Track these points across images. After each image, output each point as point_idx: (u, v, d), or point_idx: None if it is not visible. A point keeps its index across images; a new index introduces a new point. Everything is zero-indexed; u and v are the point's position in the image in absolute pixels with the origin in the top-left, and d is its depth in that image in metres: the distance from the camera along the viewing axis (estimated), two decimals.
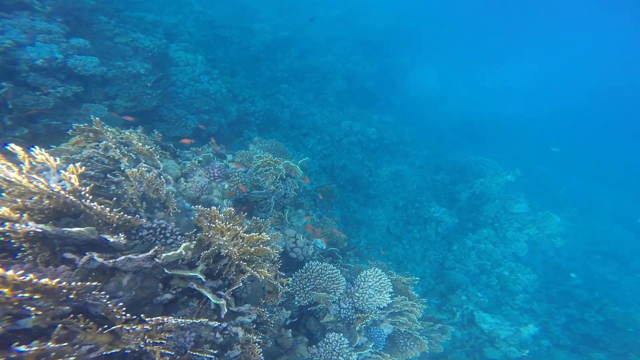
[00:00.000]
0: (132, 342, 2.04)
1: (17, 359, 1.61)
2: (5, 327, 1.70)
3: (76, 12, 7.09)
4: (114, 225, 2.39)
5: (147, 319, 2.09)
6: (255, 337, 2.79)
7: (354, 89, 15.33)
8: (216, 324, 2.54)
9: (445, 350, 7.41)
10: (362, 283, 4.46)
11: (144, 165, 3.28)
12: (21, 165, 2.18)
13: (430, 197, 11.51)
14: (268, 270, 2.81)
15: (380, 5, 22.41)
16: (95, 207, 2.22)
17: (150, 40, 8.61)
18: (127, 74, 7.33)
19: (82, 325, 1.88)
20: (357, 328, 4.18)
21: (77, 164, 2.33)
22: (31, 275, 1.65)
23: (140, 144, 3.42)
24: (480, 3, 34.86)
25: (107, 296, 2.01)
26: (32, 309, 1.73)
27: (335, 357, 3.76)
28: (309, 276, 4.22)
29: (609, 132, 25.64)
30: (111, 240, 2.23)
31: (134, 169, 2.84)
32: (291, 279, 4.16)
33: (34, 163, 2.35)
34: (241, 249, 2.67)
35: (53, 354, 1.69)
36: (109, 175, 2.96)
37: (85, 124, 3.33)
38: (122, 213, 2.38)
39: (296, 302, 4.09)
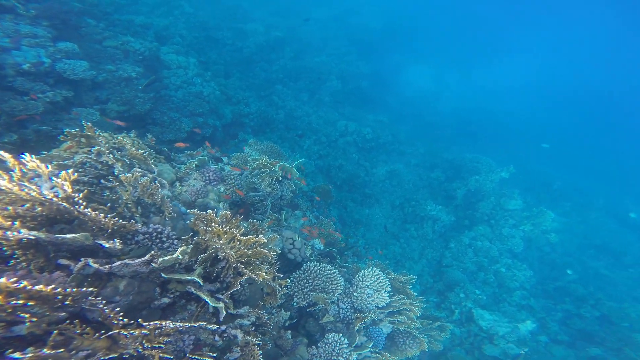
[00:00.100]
0: (130, 346, 2.02)
1: None
2: None
3: (62, 16, 7.00)
4: (109, 230, 2.36)
5: (145, 324, 2.07)
6: (254, 339, 2.78)
7: (348, 89, 15.37)
8: (215, 327, 2.52)
9: (445, 348, 7.45)
10: (360, 283, 4.46)
11: (138, 170, 3.25)
12: (11, 172, 2.15)
13: (426, 195, 11.57)
14: (266, 272, 2.80)
15: (374, 5, 22.52)
16: (89, 214, 2.20)
17: (140, 44, 8.54)
18: (118, 77, 7.27)
19: (78, 331, 1.86)
20: (356, 328, 4.19)
21: (70, 171, 2.30)
22: (25, 282, 1.63)
23: (134, 149, 3.39)
24: (472, 1, 35.21)
25: (104, 301, 1.99)
26: (27, 315, 1.71)
27: (335, 358, 3.75)
28: (307, 277, 4.22)
29: (598, 128, 26.04)
30: (107, 245, 2.21)
31: (128, 174, 2.81)
32: (289, 280, 4.16)
33: (24, 170, 2.32)
34: (238, 252, 2.66)
35: None
36: (102, 181, 2.93)
37: (77, 129, 3.29)
38: (117, 218, 2.36)
39: (295, 303, 4.08)
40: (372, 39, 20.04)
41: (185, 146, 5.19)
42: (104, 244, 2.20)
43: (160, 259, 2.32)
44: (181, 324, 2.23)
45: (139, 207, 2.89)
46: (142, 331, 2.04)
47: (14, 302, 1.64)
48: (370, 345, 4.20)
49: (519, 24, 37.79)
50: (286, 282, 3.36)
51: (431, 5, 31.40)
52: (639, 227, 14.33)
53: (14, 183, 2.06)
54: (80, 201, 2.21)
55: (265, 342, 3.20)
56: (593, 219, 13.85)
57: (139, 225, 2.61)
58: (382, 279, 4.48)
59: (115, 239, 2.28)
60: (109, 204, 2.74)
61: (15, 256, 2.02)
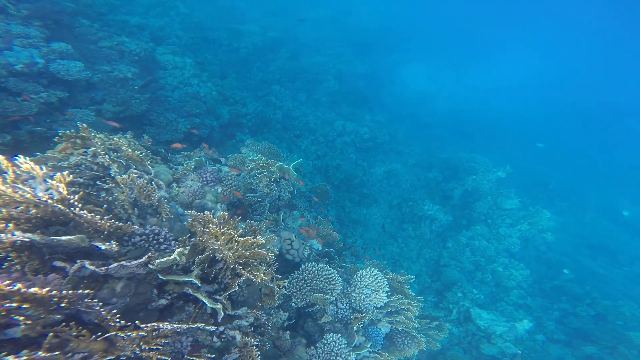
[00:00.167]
0: (128, 348, 2.00)
1: None
2: None
3: (55, 16, 6.93)
4: (106, 232, 2.34)
5: (142, 325, 2.05)
6: (252, 340, 2.76)
7: (345, 89, 15.39)
8: (213, 328, 2.51)
9: (443, 347, 7.47)
10: (358, 283, 4.46)
11: (134, 171, 3.23)
12: (5, 174, 2.12)
13: (424, 195, 11.60)
14: (264, 273, 2.79)
15: (370, 5, 22.58)
16: (85, 215, 2.17)
17: (136, 44, 8.49)
18: (113, 78, 7.22)
19: (74, 333, 1.84)
20: (355, 328, 4.18)
21: (65, 172, 2.28)
22: (19, 285, 1.61)
23: (130, 150, 3.37)
24: (468, 2, 35.44)
25: (100, 303, 1.97)
26: (21, 318, 1.69)
27: (334, 358, 3.75)
28: (306, 278, 4.21)
29: (593, 127, 26.28)
30: (103, 247, 2.18)
31: (125, 176, 2.79)
32: (288, 281, 4.14)
33: (18, 172, 2.29)
34: (236, 253, 2.65)
35: None
36: (98, 183, 2.90)
37: (72, 131, 3.26)
38: (113, 220, 2.33)
39: (293, 304, 4.07)
40: (368, 39, 20.10)
41: (182, 147, 5.16)
42: (100, 246, 2.18)
43: (158, 261, 2.30)
44: (179, 325, 2.21)
45: (135, 209, 2.87)
46: (140, 333, 2.02)
47: (7, 304, 1.61)
48: (368, 345, 4.20)
49: (515, 24, 38.12)
50: (284, 282, 3.35)
51: (427, 6, 31.57)
52: (633, 226, 14.48)
53: (8, 185, 2.03)
54: (76, 203, 2.18)
55: (264, 343, 3.18)
56: (588, 218, 13.97)
57: (136, 227, 2.59)
58: (380, 279, 4.48)
59: (112, 241, 2.25)
60: (105, 206, 2.72)
61: (9, 258, 1.99)
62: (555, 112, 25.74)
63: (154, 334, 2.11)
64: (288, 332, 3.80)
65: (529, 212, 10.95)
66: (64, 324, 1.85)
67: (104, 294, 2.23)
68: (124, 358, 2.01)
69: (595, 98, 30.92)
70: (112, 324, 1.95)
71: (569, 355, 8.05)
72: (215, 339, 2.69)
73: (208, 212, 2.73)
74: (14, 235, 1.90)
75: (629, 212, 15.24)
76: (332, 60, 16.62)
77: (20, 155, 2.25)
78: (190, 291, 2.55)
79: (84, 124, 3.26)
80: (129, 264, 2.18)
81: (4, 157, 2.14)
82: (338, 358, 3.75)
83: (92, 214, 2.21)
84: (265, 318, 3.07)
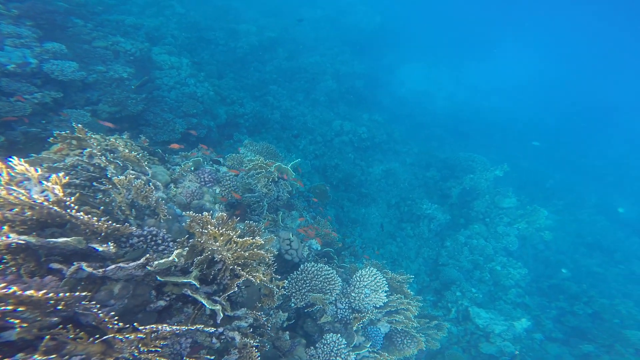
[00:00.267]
0: (126, 351, 1.98)
1: None
2: None
3: (47, 16, 6.86)
4: (103, 234, 2.32)
5: (140, 327, 2.03)
6: (252, 341, 2.75)
7: (343, 89, 15.38)
8: (212, 329, 2.49)
9: (442, 346, 7.48)
10: (357, 283, 4.46)
11: (131, 172, 3.20)
12: None
13: (422, 194, 11.62)
14: (263, 274, 2.77)
15: (367, 5, 22.57)
16: (82, 217, 2.15)
17: (131, 44, 8.43)
18: (109, 78, 7.17)
19: (71, 336, 1.81)
20: (355, 328, 4.18)
21: (61, 174, 2.25)
22: (14, 288, 1.58)
23: (127, 151, 3.34)
24: (465, 1, 35.57)
25: (98, 306, 1.94)
26: (17, 321, 1.66)
27: (334, 358, 3.74)
28: (305, 278, 4.19)
29: (589, 125, 26.45)
30: (100, 249, 2.16)
31: (122, 177, 2.76)
32: (287, 281, 4.13)
33: (12, 174, 2.26)
34: (235, 254, 2.63)
35: None
36: (95, 184, 2.87)
37: (67, 131, 3.22)
38: (110, 222, 2.31)
39: (293, 304, 4.06)
40: (366, 39, 20.09)
41: (179, 147, 5.12)
42: (97, 248, 2.15)
43: (156, 262, 2.28)
44: (178, 327, 2.19)
45: (133, 210, 2.84)
46: (138, 335, 2.00)
47: (2, 307, 1.59)
48: (368, 345, 4.19)
49: (513, 24, 38.30)
50: (284, 283, 3.34)
51: (425, 6, 31.65)
52: (629, 223, 14.59)
53: (2, 187, 2.00)
54: (73, 205, 2.15)
55: (263, 343, 3.17)
56: (585, 216, 14.06)
57: (134, 228, 2.57)
58: (379, 279, 4.48)
59: (109, 242, 2.23)
60: (102, 207, 2.69)
61: (4, 261, 1.96)
62: (553, 111, 25.89)
63: (152, 335, 2.09)
64: (287, 332, 3.79)
65: (526, 210, 11.00)
66: (60, 326, 1.82)
67: (101, 295, 2.20)
68: None
69: (592, 97, 31.15)
70: (110, 326, 1.93)
71: (566, 353, 8.10)
72: (214, 340, 2.68)
73: (206, 213, 2.71)
74: (8, 237, 1.88)
75: (624, 210, 15.36)
76: (330, 60, 16.61)
77: (15, 157, 2.22)
78: (189, 292, 2.53)
79: (79, 125, 3.23)
80: (127, 265, 2.16)
81: None
82: (338, 358, 3.74)
83: (89, 216, 2.18)
84: (264, 319, 3.06)
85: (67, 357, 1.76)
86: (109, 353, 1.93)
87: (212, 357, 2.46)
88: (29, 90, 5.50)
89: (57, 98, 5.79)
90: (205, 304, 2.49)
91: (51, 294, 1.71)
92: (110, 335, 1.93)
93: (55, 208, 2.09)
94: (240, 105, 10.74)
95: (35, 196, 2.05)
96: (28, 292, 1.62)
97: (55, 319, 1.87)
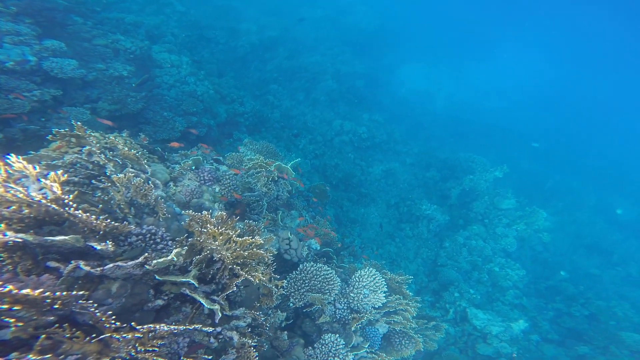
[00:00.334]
0: (123, 350, 1.96)
1: None
2: None
3: (47, 13, 6.81)
4: (101, 232, 2.30)
5: (138, 327, 2.02)
6: (250, 341, 2.74)
7: (343, 89, 15.36)
8: (210, 329, 2.48)
9: (439, 347, 7.48)
10: (356, 283, 4.45)
11: (130, 170, 3.18)
12: None
13: (421, 194, 11.62)
14: (262, 274, 2.76)
15: (367, 5, 22.54)
16: (80, 215, 2.13)
17: (131, 42, 8.39)
18: (109, 76, 7.14)
19: (68, 335, 1.80)
20: (353, 328, 4.17)
21: (59, 172, 2.23)
22: (10, 286, 1.57)
23: (126, 149, 3.32)
24: (465, 2, 35.57)
25: (95, 305, 1.93)
26: (12, 320, 1.64)
27: (332, 358, 3.73)
28: (304, 277, 4.18)
29: (588, 126, 26.47)
30: (98, 247, 2.14)
31: (121, 175, 2.75)
32: (286, 281, 4.12)
33: (10, 171, 2.24)
34: (234, 253, 2.62)
35: None
36: (94, 182, 2.86)
37: (67, 129, 3.21)
38: (109, 220, 2.29)
39: (291, 304, 4.05)
40: (366, 38, 20.07)
41: (179, 146, 5.10)
42: (95, 246, 2.14)
43: (155, 261, 2.27)
44: (176, 326, 2.18)
45: (132, 208, 2.83)
46: (135, 334, 1.98)
47: None
48: (366, 346, 4.19)
49: (512, 23, 38.29)
50: (282, 282, 3.33)
51: (426, 6, 31.63)
52: (627, 225, 14.62)
53: None
54: (71, 203, 2.14)
55: (262, 343, 3.16)
56: (584, 218, 14.07)
57: (132, 227, 2.55)
58: (378, 279, 4.47)
59: (108, 241, 2.22)
60: (100, 205, 2.68)
61: (1, 259, 1.95)
62: (553, 112, 25.90)
63: (150, 335, 2.07)
64: (286, 332, 3.78)
65: (525, 212, 11.01)
66: (57, 325, 1.81)
67: (99, 294, 2.19)
68: None
69: (592, 98, 31.18)
70: (107, 326, 1.91)
71: (562, 355, 8.11)
72: (212, 339, 2.67)
73: (206, 212, 2.70)
74: (5, 235, 1.86)
75: (623, 211, 15.38)
76: (330, 60, 16.58)
77: (13, 154, 2.20)
78: (187, 292, 2.52)
79: (79, 123, 3.21)
80: (125, 264, 2.15)
81: None
82: (336, 358, 3.73)
83: (88, 214, 2.17)
84: (263, 318, 3.05)
85: (62, 356, 1.75)
86: (106, 353, 1.92)
87: (210, 357, 2.45)
88: (28, 88, 5.47)
89: (56, 96, 5.77)
90: (204, 304, 2.48)
91: (48, 293, 1.70)
92: (107, 335, 1.91)
93: (53, 206, 2.07)
94: (240, 104, 10.71)
95: (33, 194, 2.04)
96: (24, 291, 1.60)
97: (52, 317, 1.85)
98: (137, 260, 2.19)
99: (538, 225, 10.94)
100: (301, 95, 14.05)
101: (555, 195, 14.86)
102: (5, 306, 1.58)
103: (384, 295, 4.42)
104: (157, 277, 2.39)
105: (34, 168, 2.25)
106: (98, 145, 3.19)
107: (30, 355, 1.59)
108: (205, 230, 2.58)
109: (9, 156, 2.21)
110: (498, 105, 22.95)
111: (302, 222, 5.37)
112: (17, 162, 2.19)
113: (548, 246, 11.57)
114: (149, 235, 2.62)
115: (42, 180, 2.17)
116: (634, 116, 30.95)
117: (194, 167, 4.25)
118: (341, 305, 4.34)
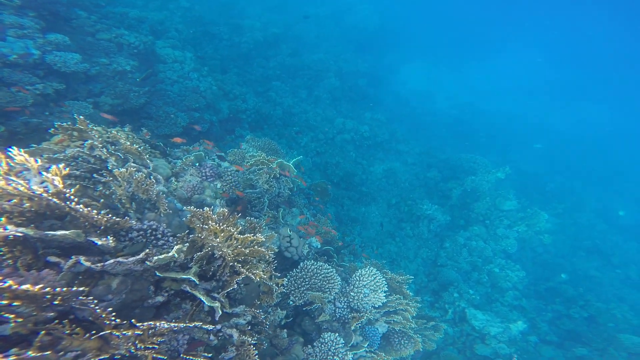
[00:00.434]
0: (123, 347, 1.95)
1: None
2: None
3: (50, 7, 6.78)
4: (102, 227, 2.29)
5: (138, 324, 2.01)
6: (250, 339, 2.73)
7: (346, 87, 15.31)
8: (210, 326, 2.46)
9: (438, 347, 7.48)
10: (357, 282, 4.44)
11: (132, 164, 3.17)
12: None
13: (422, 194, 11.59)
14: (263, 271, 2.75)
15: (370, 4, 22.41)
16: (81, 210, 2.12)
17: (135, 37, 8.36)
18: (112, 70, 7.11)
19: (67, 331, 1.78)
20: (353, 327, 4.16)
21: (61, 165, 2.21)
22: (10, 281, 1.55)
23: (129, 143, 3.30)
24: (467, 1, 35.32)
25: (95, 301, 1.92)
26: (11, 316, 1.63)
27: (331, 357, 3.72)
28: (304, 276, 4.17)
29: (589, 128, 26.32)
30: (99, 243, 2.13)
31: (122, 169, 2.73)
32: (286, 279, 4.11)
33: (12, 164, 2.23)
34: (235, 250, 2.60)
35: None
36: (95, 176, 2.84)
37: (69, 123, 3.19)
38: (110, 215, 2.28)
39: (291, 302, 4.04)
40: (369, 37, 19.98)
41: (182, 141, 5.08)
42: (96, 241, 2.13)
43: (155, 258, 2.25)
44: (176, 324, 2.17)
45: (133, 203, 2.81)
46: (135, 331, 1.97)
47: None
48: (365, 345, 4.18)
49: (512, 24, 38.04)
50: (283, 280, 3.31)
51: (428, 6, 31.44)
52: (627, 228, 14.57)
53: (0, 177, 1.97)
54: (72, 197, 2.12)
55: (261, 341, 3.15)
56: (585, 220, 14.02)
57: (133, 222, 2.54)
58: (379, 279, 4.46)
59: (109, 236, 2.20)
60: (102, 200, 2.66)
61: (1, 253, 1.93)
62: (555, 113, 25.76)
63: (149, 332, 2.06)
64: (285, 330, 3.77)
65: (526, 213, 10.97)
66: (57, 321, 1.79)
67: (99, 290, 2.18)
68: (119, 357, 1.96)
69: (593, 98, 30.99)
70: (107, 322, 1.90)
71: (560, 356, 8.10)
72: (212, 337, 2.66)
73: (207, 208, 2.68)
74: (6, 229, 1.85)
75: (625, 212, 15.33)
76: (333, 58, 16.51)
77: (14, 147, 2.18)
78: (187, 288, 2.51)
79: (81, 117, 3.19)
80: (126, 260, 2.13)
81: None
82: (335, 357, 3.73)
83: (89, 208, 2.15)
84: (263, 316, 3.04)
85: (62, 352, 1.74)
86: (105, 349, 1.91)
87: (210, 355, 2.44)
88: (31, 81, 5.46)
89: (59, 89, 5.75)
90: (204, 301, 2.46)
91: (48, 289, 1.68)
92: (107, 332, 1.90)
93: (55, 200, 2.06)
94: (243, 101, 10.68)
95: (35, 187, 2.02)
96: (24, 287, 1.59)
97: (52, 313, 1.84)
98: (138, 257, 2.17)
99: (539, 227, 10.90)
100: (304, 93, 14.00)
101: (557, 197, 14.80)
102: (5, 302, 1.57)
103: (384, 294, 4.41)
104: (157, 273, 2.38)
105: (36, 161, 2.23)
106: (100, 139, 3.17)
107: (30, 352, 1.58)
108: (206, 226, 2.56)
109: (10, 149, 2.19)
110: (500, 106, 22.85)
111: (303, 220, 5.35)
112: (18, 155, 2.17)
113: (548, 248, 11.54)
114: (150, 231, 2.61)
115: (44, 173, 2.15)
116: (636, 118, 30.76)
117: (196, 163, 4.23)
118: (341, 304, 4.33)
